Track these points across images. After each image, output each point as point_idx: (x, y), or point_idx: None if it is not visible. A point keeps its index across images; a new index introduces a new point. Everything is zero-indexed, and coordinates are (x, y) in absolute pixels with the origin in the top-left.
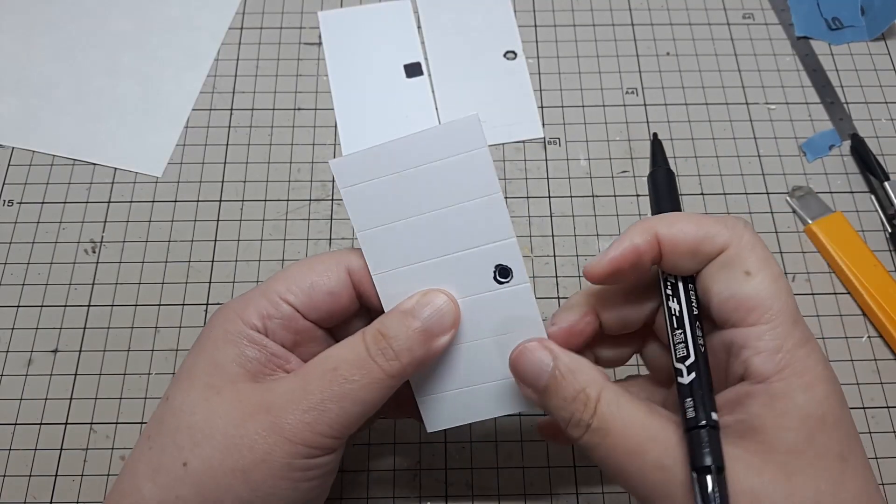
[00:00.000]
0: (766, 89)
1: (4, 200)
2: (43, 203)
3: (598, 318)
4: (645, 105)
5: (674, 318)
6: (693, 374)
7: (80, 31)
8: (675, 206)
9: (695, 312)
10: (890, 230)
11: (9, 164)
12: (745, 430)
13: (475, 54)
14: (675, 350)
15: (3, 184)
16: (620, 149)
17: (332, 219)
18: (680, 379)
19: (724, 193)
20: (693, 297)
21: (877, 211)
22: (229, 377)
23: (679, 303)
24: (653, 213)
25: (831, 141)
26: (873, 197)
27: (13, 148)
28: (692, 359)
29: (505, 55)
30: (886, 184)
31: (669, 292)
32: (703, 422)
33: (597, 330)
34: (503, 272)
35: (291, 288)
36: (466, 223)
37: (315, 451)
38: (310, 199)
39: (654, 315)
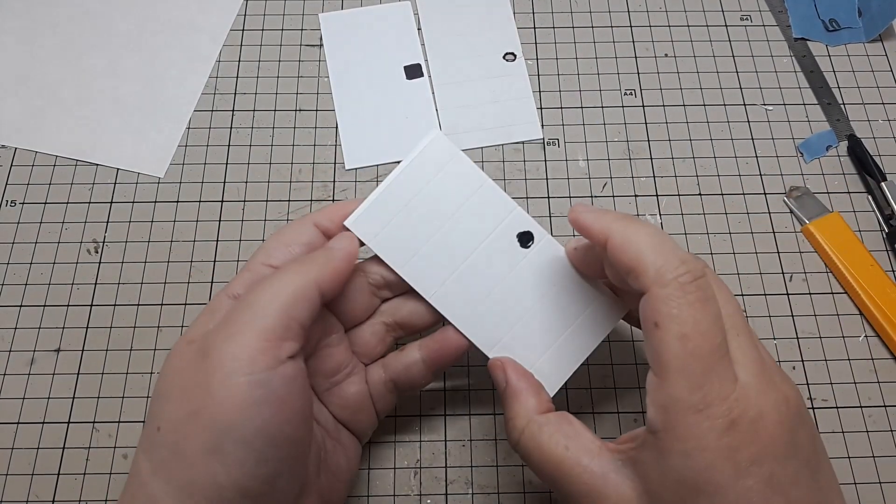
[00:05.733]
0: (764, 90)
1: (7, 201)
2: (45, 203)
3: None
4: (643, 106)
5: None
6: None
7: (83, 32)
8: None
9: None
10: (887, 230)
11: (11, 165)
12: (636, 463)
13: (475, 56)
14: None
15: (6, 184)
16: (619, 150)
17: None
18: None
19: (722, 194)
20: None
21: (874, 211)
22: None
23: None
24: None
25: (828, 142)
26: (870, 197)
27: (16, 148)
28: None
29: (504, 57)
30: (883, 184)
31: None
32: None
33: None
34: (525, 237)
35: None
36: (476, 218)
37: (263, 360)
38: (311, 200)
39: None
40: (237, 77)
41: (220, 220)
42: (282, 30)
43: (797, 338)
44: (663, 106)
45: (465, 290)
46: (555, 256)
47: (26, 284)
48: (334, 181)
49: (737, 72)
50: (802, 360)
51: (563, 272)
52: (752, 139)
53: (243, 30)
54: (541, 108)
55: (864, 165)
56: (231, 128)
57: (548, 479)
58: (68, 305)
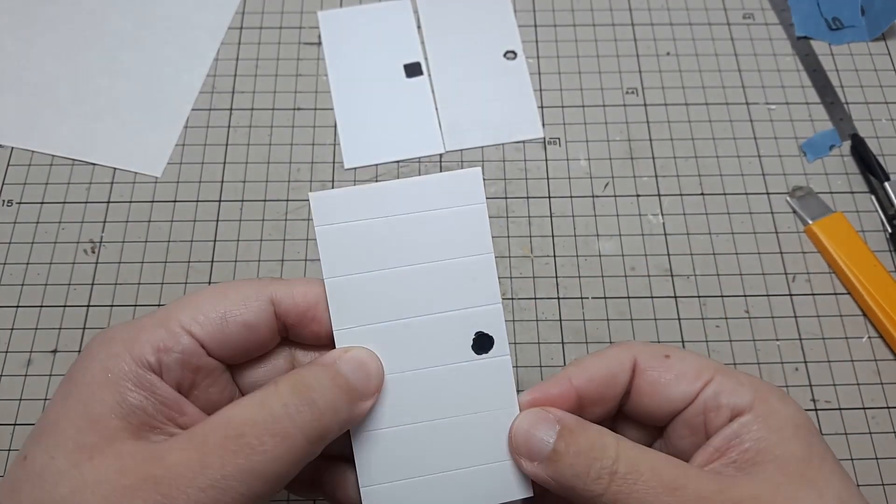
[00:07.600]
0: (767, 89)
1: (4, 200)
2: (42, 203)
3: (576, 393)
4: (645, 105)
5: None
6: None
7: (80, 30)
8: None
9: None
10: (890, 230)
11: (8, 164)
12: (754, 456)
13: (475, 54)
14: None
15: (3, 184)
16: (621, 149)
17: None
18: None
19: (725, 194)
20: None
21: (877, 211)
22: (107, 434)
23: None
24: None
25: (831, 141)
26: (873, 197)
27: (12, 148)
28: None
29: (505, 55)
30: (886, 184)
31: None
32: None
33: (573, 404)
34: (483, 343)
35: (198, 317)
36: (450, 281)
37: None
38: (309, 199)
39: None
40: (235, 75)
41: (217, 220)
42: (280, 28)
43: (800, 339)
44: (665, 105)
45: (378, 348)
46: (496, 383)
47: (23, 285)
48: (333, 181)
49: (739, 70)
50: (805, 362)
51: (490, 409)
52: (755, 138)
53: (241, 27)
54: (542, 107)
55: (868, 165)
56: (229, 127)
57: (672, 493)
58: (65, 306)
